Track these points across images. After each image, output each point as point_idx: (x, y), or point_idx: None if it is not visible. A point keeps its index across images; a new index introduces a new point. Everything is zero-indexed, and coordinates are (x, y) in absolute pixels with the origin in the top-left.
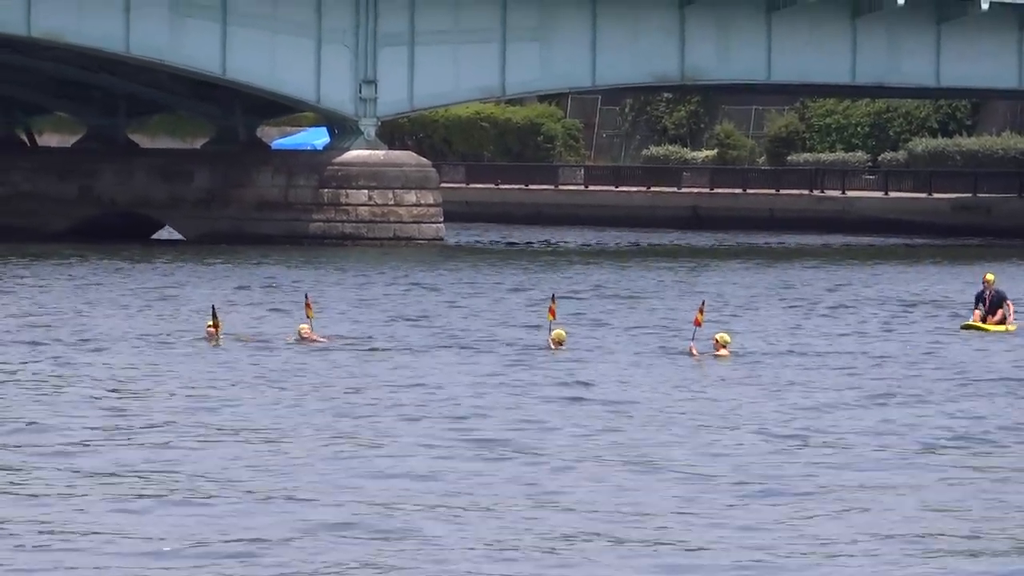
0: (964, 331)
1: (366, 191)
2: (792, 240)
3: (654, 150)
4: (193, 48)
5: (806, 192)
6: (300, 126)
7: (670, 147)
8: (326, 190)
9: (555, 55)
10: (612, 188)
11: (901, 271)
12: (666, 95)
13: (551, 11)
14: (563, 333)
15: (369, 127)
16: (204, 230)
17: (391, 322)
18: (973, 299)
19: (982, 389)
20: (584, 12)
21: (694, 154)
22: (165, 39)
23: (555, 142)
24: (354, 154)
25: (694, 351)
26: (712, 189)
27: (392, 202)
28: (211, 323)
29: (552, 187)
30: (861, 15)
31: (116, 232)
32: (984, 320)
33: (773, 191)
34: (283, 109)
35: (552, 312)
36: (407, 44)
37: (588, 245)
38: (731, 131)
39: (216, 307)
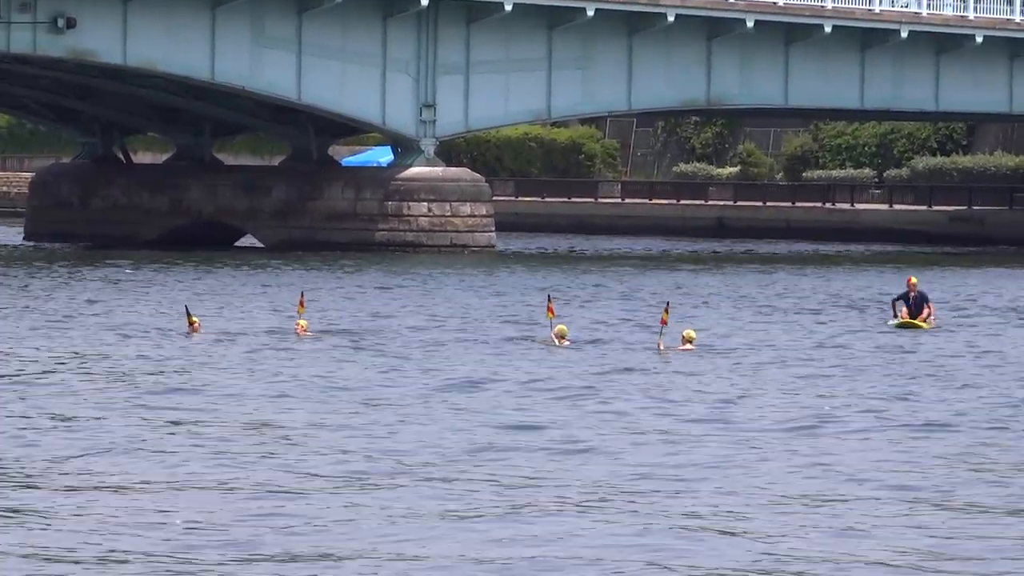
0: (896, 327)
1: (426, 203)
2: (807, 248)
3: (683, 167)
4: (272, 76)
5: (819, 205)
6: (367, 145)
7: (698, 164)
8: (390, 202)
9: (595, 82)
10: (646, 201)
11: (888, 274)
12: (694, 118)
13: (592, 43)
14: (565, 328)
15: (429, 146)
16: (281, 238)
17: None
18: (900, 299)
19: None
20: (622, 44)
21: (719, 171)
22: (246, 68)
23: (595, 160)
24: (415, 170)
25: (661, 346)
26: (735, 202)
27: (449, 213)
28: (189, 321)
29: (592, 200)
30: (869, 48)
31: (202, 240)
32: (913, 318)
33: (790, 204)
34: (352, 130)
35: (551, 311)
36: (463, 72)
37: (621, 251)
38: (752, 150)
39: (188, 306)
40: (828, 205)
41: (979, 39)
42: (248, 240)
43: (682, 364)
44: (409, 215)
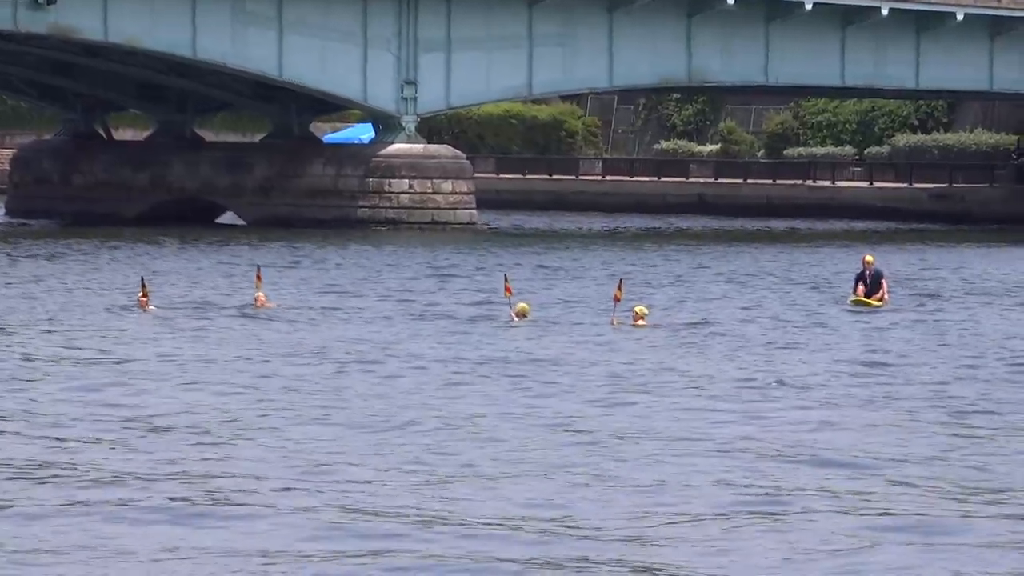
0: (852, 304)
1: (407, 180)
2: (787, 224)
3: (664, 144)
4: (253, 53)
5: (800, 182)
6: (348, 122)
7: (679, 142)
8: (371, 179)
9: (576, 59)
10: (627, 178)
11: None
12: (675, 95)
13: (573, 20)
14: (526, 307)
15: (410, 123)
16: (262, 215)
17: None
18: (853, 278)
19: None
20: (602, 21)
21: (700, 148)
22: (228, 45)
23: (576, 137)
24: (396, 147)
25: (614, 322)
26: (716, 179)
27: (430, 190)
28: (142, 293)
29: (573, 177)
30: (850, 25)
31: (184, 217)
32: (868, 296)
33: (771, 181)
34: (333, 107)
35: (507, 289)
36: (444, 49)
37: (600, 229)
38: (733, 128)
39: (144, 278)
40: (809, 183)
41: (960, 17)
42: (230, 217)
43: (633, 340)
44: (390, 192)
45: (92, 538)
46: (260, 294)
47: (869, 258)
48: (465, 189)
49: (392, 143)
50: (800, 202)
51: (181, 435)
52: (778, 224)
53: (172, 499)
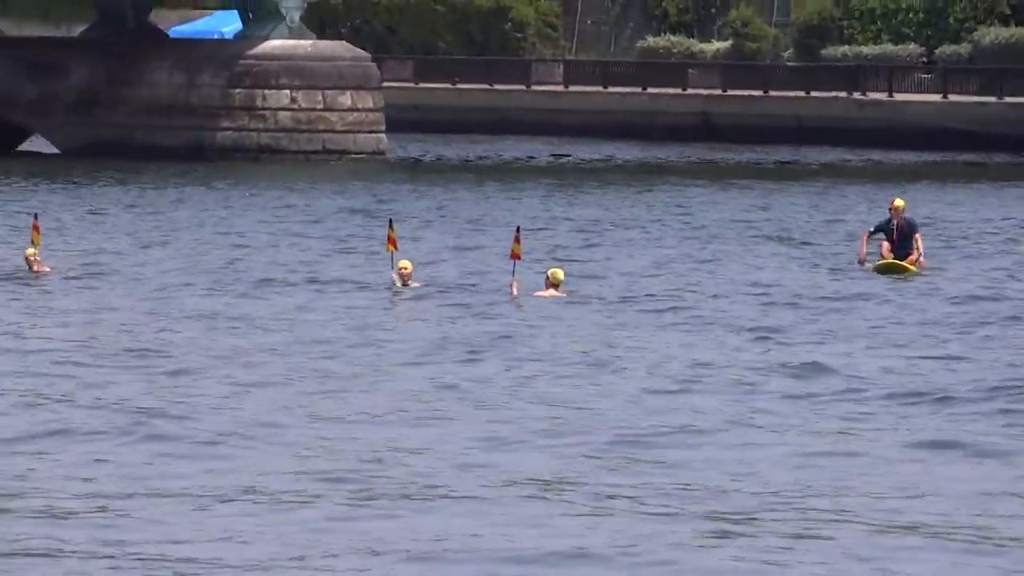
0: (877, 271)
1: (288, 92)
2: (823, 156)
3: (652, 41)
4: None
5: (843, 95)
6: (205, 9)
7: (672, 38)
8: (237, 90)
9: None
10: (599, 89)
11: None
12: None
13: None
14: (409, 265)
15: (292, 10)
16: (83, 140)
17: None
18: (878, 231)
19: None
20: None
21: (703, 46)
22: None
23: (527, 31)
24: (273, 45)
25: (515, 290)
26: (725, 91)
27: (321, 106)
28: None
29: (523, 88)
30: None
31: None
32: (899, 257)
33: (802, 93)
34: None
35: (392, 242)
36: None
37: (564, 159)
38: (750, 17)
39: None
40: (856, 95)
41: None
42: (38, 144)
43: (538, 314)
44: (264, 108)
45: None
46: (33, 251)
47: (899, 202)
48: (370, 104)
49: (267, 38)
50: (844, 124)
51: None
52: (811, 154)
53: None
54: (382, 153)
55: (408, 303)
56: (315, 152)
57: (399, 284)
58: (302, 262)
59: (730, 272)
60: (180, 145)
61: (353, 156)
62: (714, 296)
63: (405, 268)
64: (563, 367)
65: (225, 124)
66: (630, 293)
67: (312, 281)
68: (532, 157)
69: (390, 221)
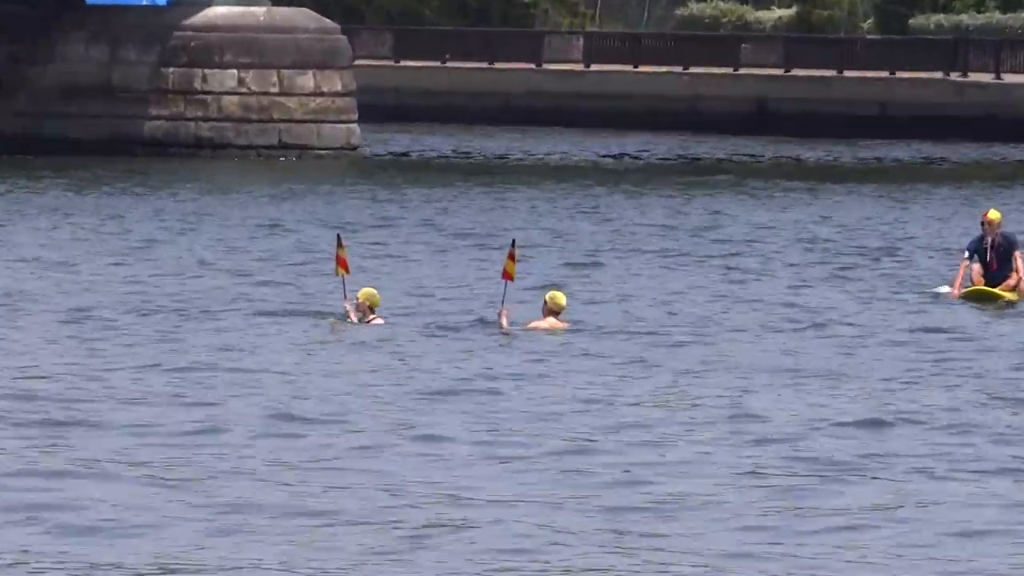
0: (966, 297)
1: (235, 71)
2: (911, 152)
3: (695, 8)
4: None
5: (939, 76)
6: None
7: (721, 4)
8: (171, 70)
9: None
10: (627, 68)
11: None
12: None
13: None
14: (374, 294)
15: None
16: None
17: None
18: (971, 252)
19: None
20: None
21: (760, 15)
22: None
23: None
24: (217, 13)
25: (504, 321)
26: (787, 71)
27: (276, 89)
28: None
29: (533, 66)
30: None
31: None
32: (992, 283)
33: (885, 74)
34: None
35: (341, 263)
36: None
37: (581, 157)
38: None
39: None
40: (955, 76)
41: None
42: None
43: (531, 353)
44: (206, 92)
45: None
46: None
47: (993, 215)
48: (339, 87)
49: (209, 4)
50: (939, 110)
51: None
52: (896, 150)
53: None
54: (353, 148)
55: (360, 344)
56: (269, 148)
57: (353, 318)
58: (228, 290)
59: (780, 299)
60: (98, 138)
61: (317, 152)
62: (760, 330)
63: (366, 299)
64: (560, 435)
65: (155, 112)
66: (652, 326)
67: (242, 313)
68: (541, 155)
69: (338, 236)
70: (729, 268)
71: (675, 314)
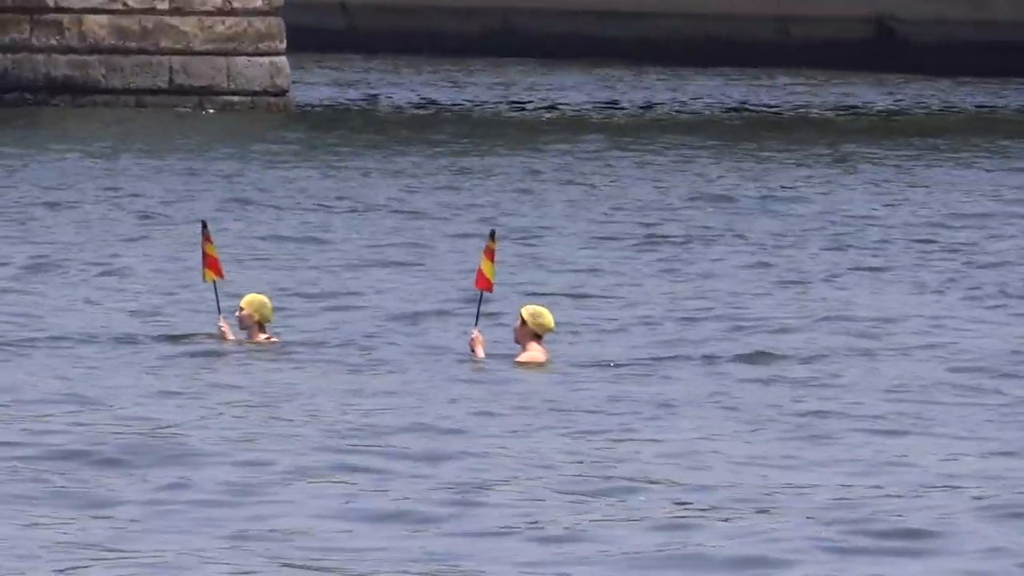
0: None
1: None
2: None
3: None
4: None
5: None
6: None
7: None
8: None
9: None
10: None
11: None
12: None
13: None
14: (263, 304)
15: None
16: None
17: None
18: None
19: None
20: None
21: None
22: None
23: None
24: None
25: (478, 347)
26: None
27: (165, 5)
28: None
29: None
30: None
31: None
32: None
33: None
34: None
35: (212, 263)
36: None
37: (612, 108)
38: None
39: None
40: None
41: None
42: None
43: (517, 398)
44: (61, 9)
45: None
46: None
47: None
48: (258, 2)
49: None
50: None
51: None
52: None
53: None
54: (279, 94)
55: (242, 372)
56: (153, 92)
57: (229, 336)
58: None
59: (888, 313)
60: None
61: (225, 100)
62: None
63: (252, 309)
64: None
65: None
66: (677, 349)
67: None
68: (553, 104)
69: (203, 224)
70: (811, 263)
71: (736, 336)
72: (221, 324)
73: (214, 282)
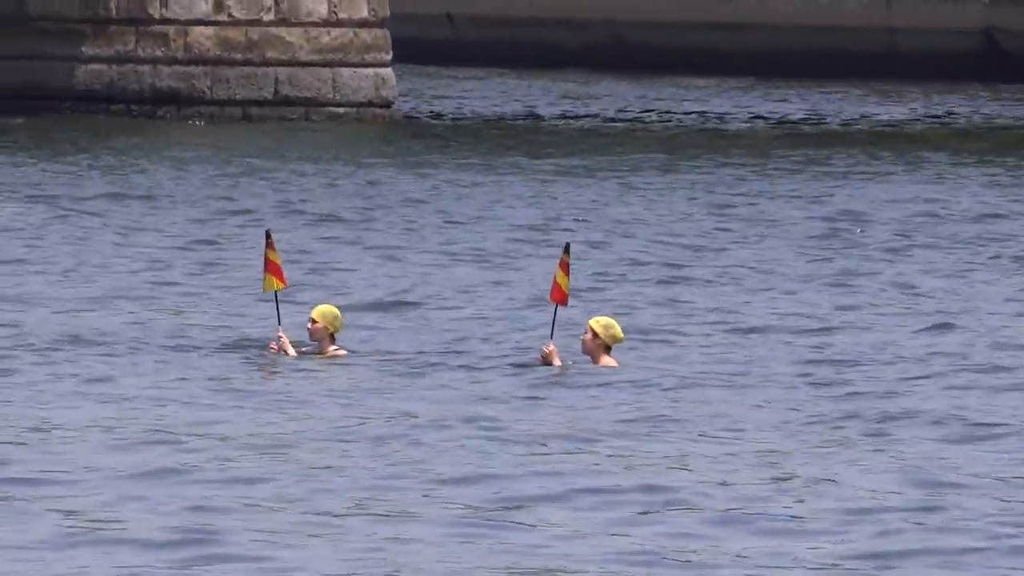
0: None
1: None
2: None
3: None
4: None
5: None
6: None
7: None
8: None
9: None
10: None
11: None
12: None
13: None
14: (334, 314)
15: None
16: None
17: None
18: None
19: None
20: None
21: None
22: None
23: None
24: None
25: (553, 355)
26: None
27: (272, 16)
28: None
29: None
30: None
31: None
32: None
33: None
34: None
35: (274, 269)
36: None
37: (720, 118)
38: None
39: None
40: None
41: None
42: None
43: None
44: (166, 21)
45: None
46: None
47: None
48: (365, 12)
49: None
50: None
51: None
52: None
53: None
54: (385, 105)
55: (305, 386)
56: (259, 103)
57: (290, 352)
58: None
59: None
60: (5, 87)
61: (330, 111)
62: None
63: (324, 320)
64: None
65: (91, 51)
66: (746, 360)
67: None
68: (666, 112)
69: (267, 234)
70: (904, 275)
71: (808, 342)
72: (281, 337)
73: (276, 292)
